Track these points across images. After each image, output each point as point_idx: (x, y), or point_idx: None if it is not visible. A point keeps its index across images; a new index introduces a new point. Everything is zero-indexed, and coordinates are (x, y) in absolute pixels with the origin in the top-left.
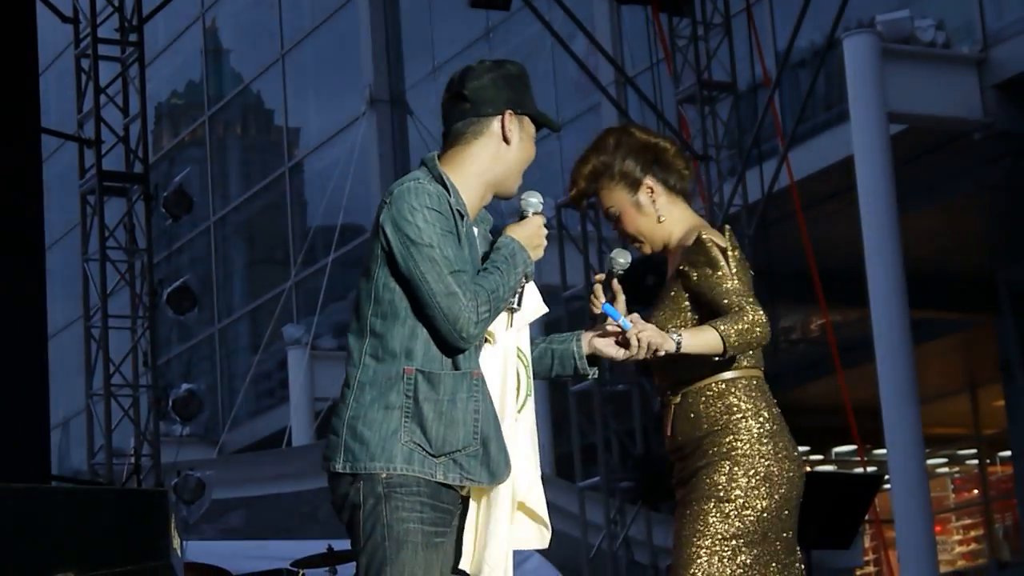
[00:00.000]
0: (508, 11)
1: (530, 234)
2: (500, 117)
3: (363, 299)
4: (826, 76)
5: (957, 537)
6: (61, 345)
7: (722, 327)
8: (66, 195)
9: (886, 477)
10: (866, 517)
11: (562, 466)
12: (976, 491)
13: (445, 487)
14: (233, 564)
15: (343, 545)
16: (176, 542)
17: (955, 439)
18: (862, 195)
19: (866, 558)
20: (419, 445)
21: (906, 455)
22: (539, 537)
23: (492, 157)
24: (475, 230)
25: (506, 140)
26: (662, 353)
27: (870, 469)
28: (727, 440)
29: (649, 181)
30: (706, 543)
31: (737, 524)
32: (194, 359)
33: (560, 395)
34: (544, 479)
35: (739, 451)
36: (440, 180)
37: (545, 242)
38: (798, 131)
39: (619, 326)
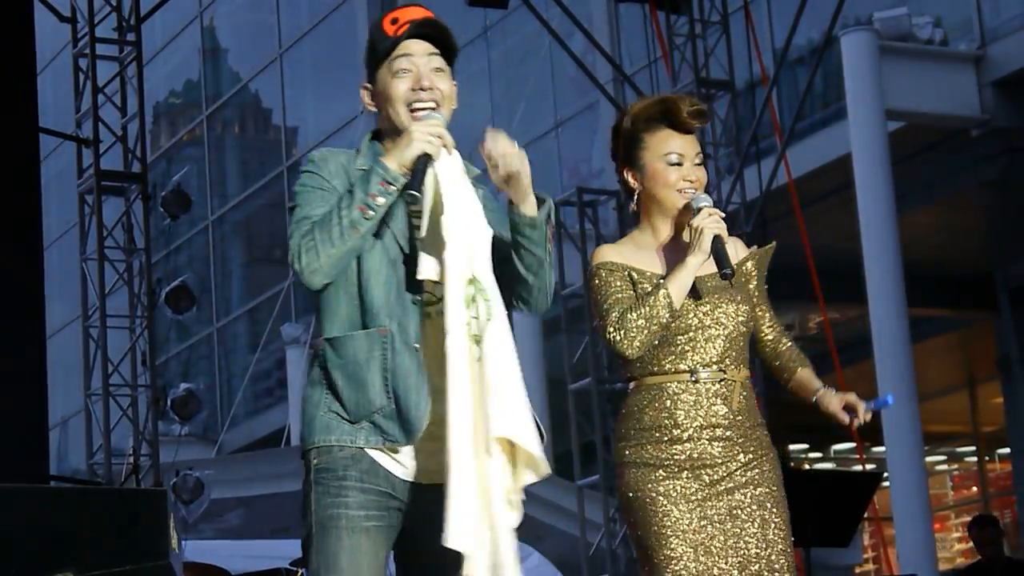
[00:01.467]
0: (506, 9)
1: (402, 139)
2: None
3: None
4: (824, 74)
5: (956, 535)
6: (59, 345)
7: (779, 329)
8: (64, 195)
9: (885, 475)
10: (865, 515)
11: (561, 465)
12: (975, 488)
13: (380, 470)
14: (232, 564)
15: None
16: (175, 542)
17: (954, 436)
18: (860, 193)
19: (865, 556)
20: (336, 413)
21: (905, 453)
22: (535, 472)
23: (382, 121)
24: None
25: (376, 107)
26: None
27: (869, 467)
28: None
29: None
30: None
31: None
32: (193, 358)
33: (559, 394)
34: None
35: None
36: (358, 150)
37: (431, 130)
38: (796, 129)
39: (872, 407)
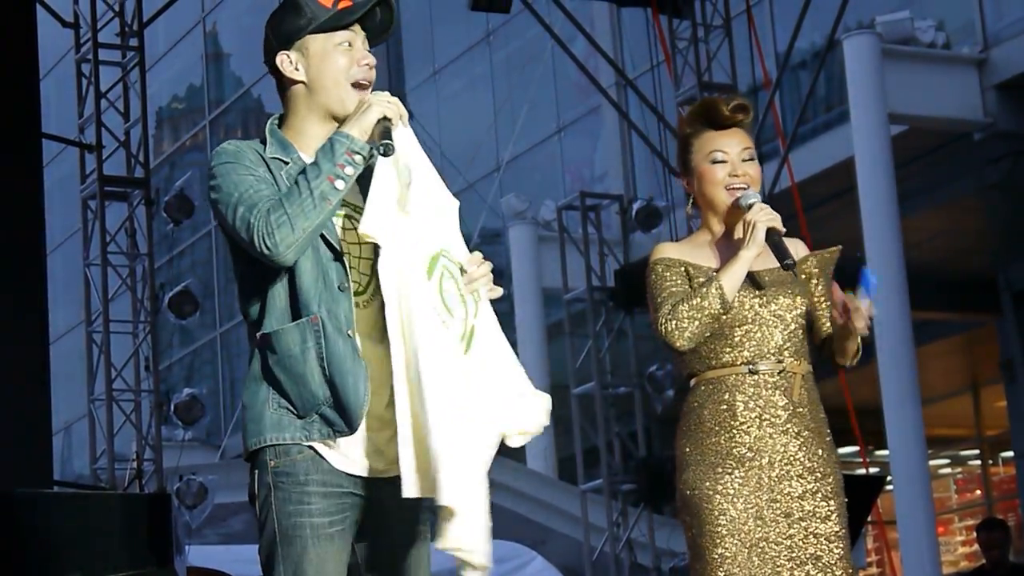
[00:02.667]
0: (508, 13)
1: (357, 108)
2: (276, 65)
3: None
4: (826, 77)
5: (960, 538)
6: (63, 350)
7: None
8: (67, 200)
9: (888, 478)
10: (869, 518)
11: (564, 469)
12: (979, 492)
13: (338, 471)
14: (236, 569)
15: None
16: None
17: (957, 440)
18: (863, 196)
19: (869, 559)
20: (286, 409)
21: (908, 456)
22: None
23: (299, 99)
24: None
25: (293, 81)
26: (865, 333)
27: (872, 470)
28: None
29: None
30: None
31: None
32: (196, 363)
33: (562, 397)
34: (546, 482)
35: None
36: (263, 140)
37: (386, 97)
38: (799, 132)
39: (865, 294)
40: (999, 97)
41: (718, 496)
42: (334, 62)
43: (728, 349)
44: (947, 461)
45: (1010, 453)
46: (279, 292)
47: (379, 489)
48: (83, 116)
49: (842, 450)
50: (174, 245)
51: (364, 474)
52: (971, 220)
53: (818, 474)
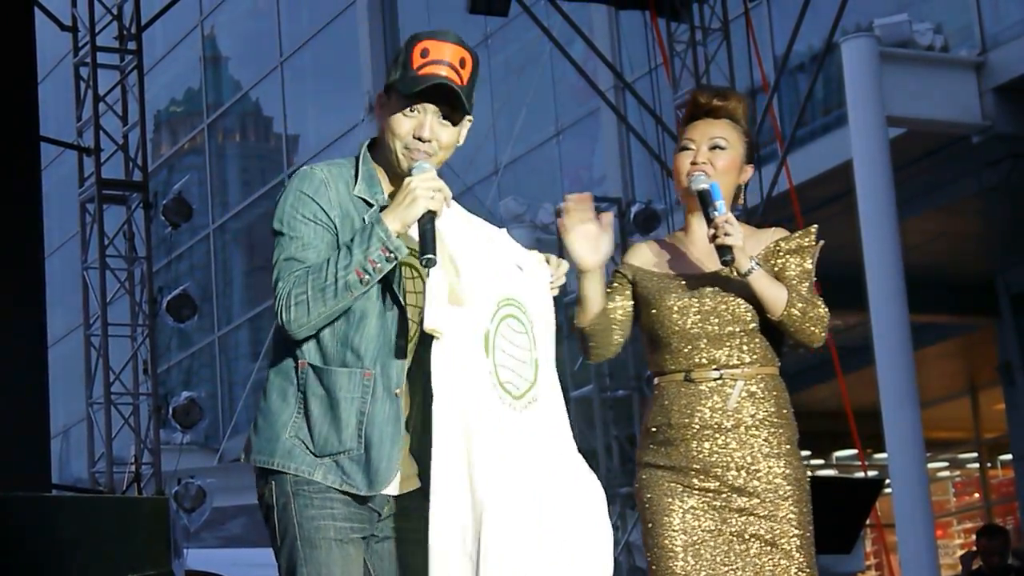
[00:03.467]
0: (506, 17)
1: (402, 195)
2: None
3: None
4: (824, 80)
5: (958, 541)
6: (61, 354)
7: (795, 295)
8: (65, 203)
9: (887, 481)
10: (867, 521)
11: None
12: (977, 495)
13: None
14: (234, 572)
15: None
16: (177, 550)
17: (956, 443)
18: (861, 199)
19: (867, 562)
20: (302, 442)
21: (907, 459)
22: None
23: (386, 136)
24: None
25: (378, 121)
26: (733, 247)
27: (871, 473)
28: (789, 435)
29: (750, 171)
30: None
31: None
32: (194, 367)
33: None
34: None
35: (796, 451)
36: (356, 165)
37: (431, 184)
38: (797, 135)
39: (715, 207)
40: (997, 100)
41: (664, 497)
42: (399, 124)
43: (668, 356)
44: (946, 464)
45: (1008, 456)
46: (330, 331)
47: (396, 502)
48: (81, 119)
49: (841, 453)
50: (172, 248)
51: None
52: (969, 223)
53: (756, 483)
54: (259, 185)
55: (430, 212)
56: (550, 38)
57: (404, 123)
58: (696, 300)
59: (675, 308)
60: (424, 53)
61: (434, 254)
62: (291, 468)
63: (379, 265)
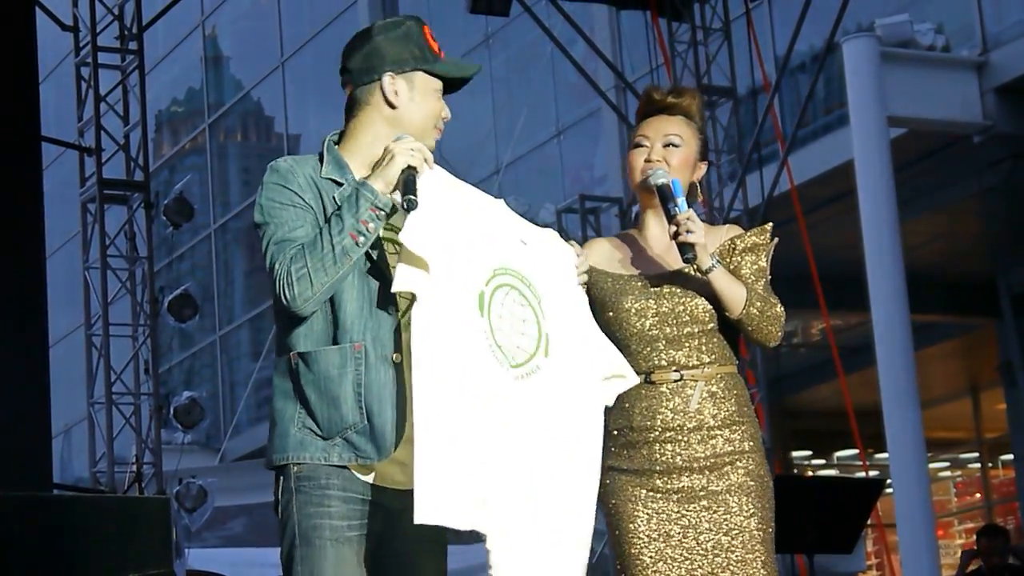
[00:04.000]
0: (507, 17)
1: (382, 157)
2: (379, 83)
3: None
4: (826, 80)
5: (960, 541)
6: (62, 353)
7: (754, 294)
8: (66, 203)
9: (888, 481)
10: (868, 521)
11: None
12: (978, 495)
13: (359, 479)
14: (235, 572)
15: None
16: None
17: (957, 443)
18: (862, 199)
19: (868, 562)
20: (310, 430)
21: (908, 459)
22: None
23: (377, 122)
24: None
25: (390, 104)
26: (696, 244)
27: (872, 473)
28: (752, 432)
29: (703, 168)
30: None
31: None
32: (195, 367)
33: None
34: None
35: (759, 448)
36: (321, 156)
37: (410, 144)
38: (798, 135)
39: (676, 203)
40: (998, 100)
41: (627, 502)
42: (433, 104)
43: (629, 359)
44: (947, 464)
45: (1010, 456)
46: (322, 313)
47: (398, 500)
48: (82, 119)
49: (842, 453)
50: (173, 248)
51: (384, 485)
52: (970, 223)
53: (717, 484)
54: (260, 185)
55: (411, 167)
56: (551, 38)
57: (436, 103)
58: (654, 302)
59: (632, 310)
60: (434, 37)
61: (415, 196)
62: (305, 458)
63: (371, 225)
